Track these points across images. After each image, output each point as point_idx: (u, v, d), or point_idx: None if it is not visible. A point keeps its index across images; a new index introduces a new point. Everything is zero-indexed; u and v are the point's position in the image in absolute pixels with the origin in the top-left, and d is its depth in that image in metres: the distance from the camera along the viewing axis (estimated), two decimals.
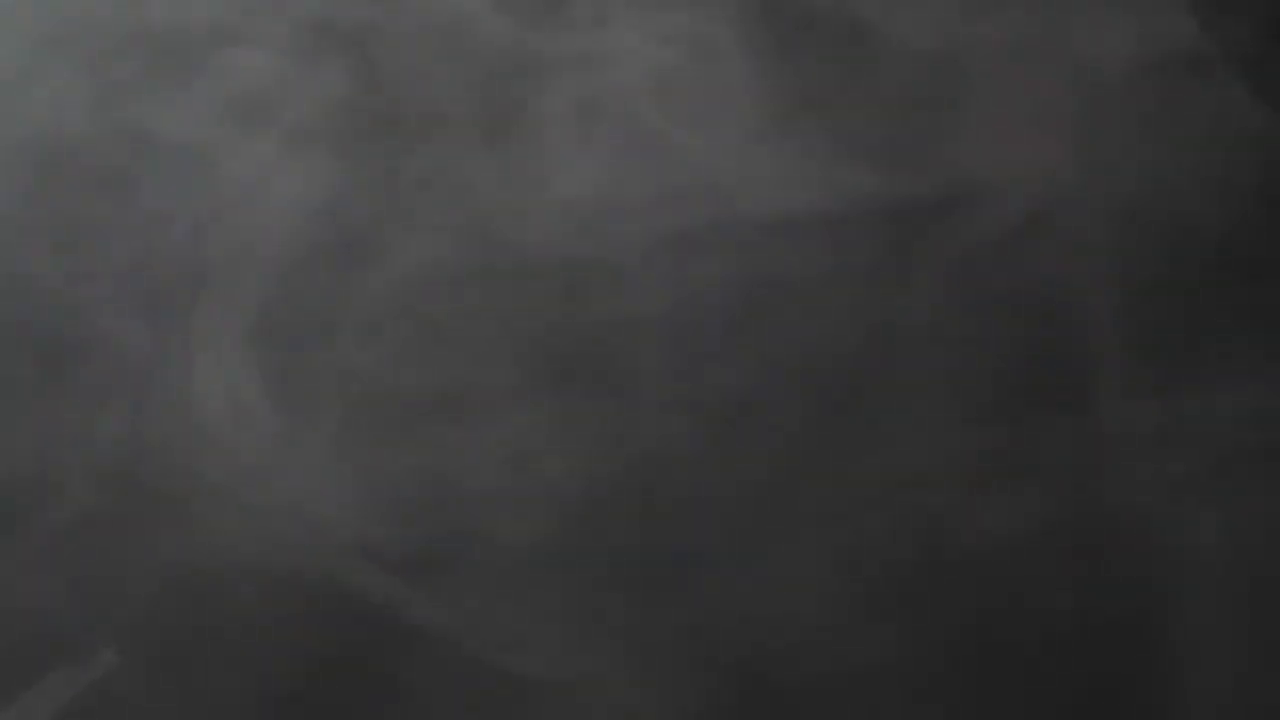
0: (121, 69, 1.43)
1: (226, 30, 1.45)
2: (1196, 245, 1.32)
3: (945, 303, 1.30)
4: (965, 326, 1.29)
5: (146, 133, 1.39)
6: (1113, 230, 1.33)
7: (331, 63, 1.43)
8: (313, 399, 1.27)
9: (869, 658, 1.16)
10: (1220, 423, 1.24)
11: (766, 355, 1.29)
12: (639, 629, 1.18)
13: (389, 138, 1.39)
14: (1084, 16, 1.44)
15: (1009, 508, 1.21)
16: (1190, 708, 1.13)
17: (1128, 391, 1.26)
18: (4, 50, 1.44)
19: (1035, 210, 1.35)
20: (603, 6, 1.46)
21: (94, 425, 1.25)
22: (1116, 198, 1.35)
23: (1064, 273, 1.32)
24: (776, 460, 1.24)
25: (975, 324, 1.29)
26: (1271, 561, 1.18)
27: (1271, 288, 1.30)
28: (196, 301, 1.32)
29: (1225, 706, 1.13)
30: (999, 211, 1.35)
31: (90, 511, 1.22)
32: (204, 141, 1.39)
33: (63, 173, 1.38)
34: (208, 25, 1.45)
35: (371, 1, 1.47)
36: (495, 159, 1.39)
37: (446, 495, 1.23)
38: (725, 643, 1.17)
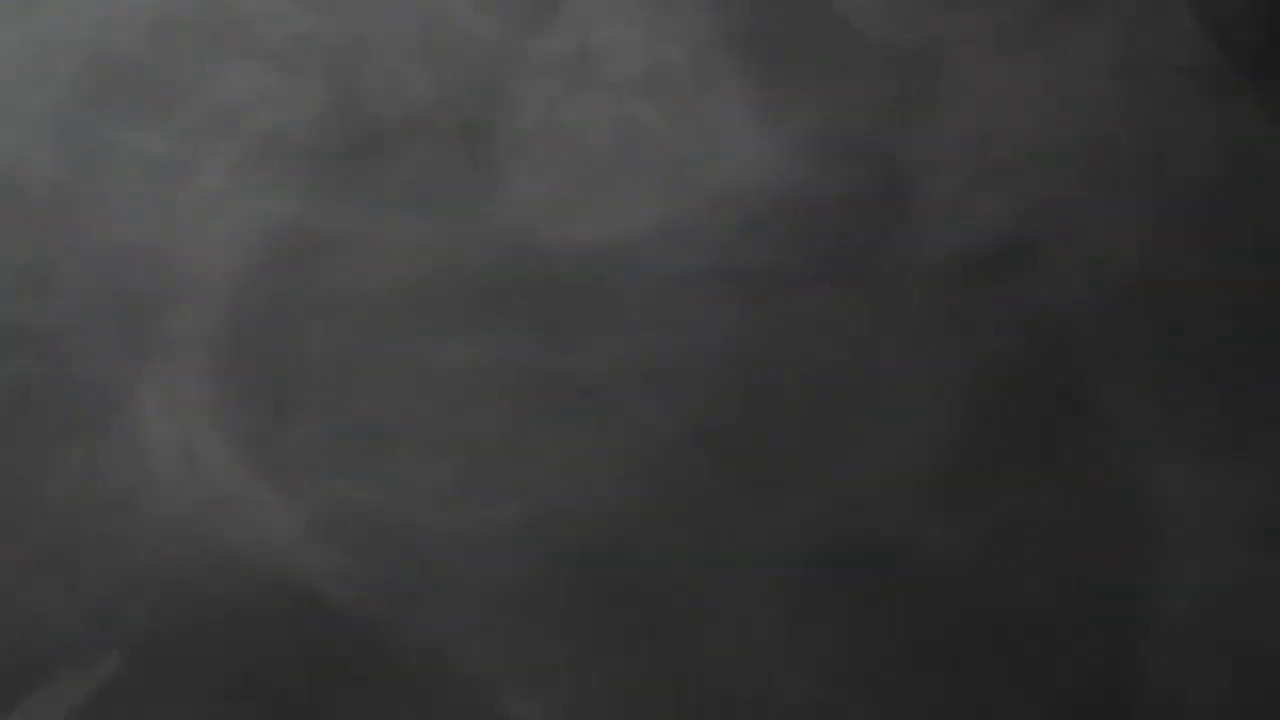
0: (92, 84, 1.42)
1: (206, 45, 1.45)
2: (1188, 248, 1.32)
3: (933, 310, 1.30)
4: (952, 336, 1.29)
5: (113, 151, 1.38)
6: (1104, 234, 1.33)
7: (312, 74, 1.43)
8: (280, 431, 1.26)
9: (847, 667, 1.16)
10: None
11: (754, 358, 1.29)
12: (622, 642, 1.18)
13: (370, 152, 1.39)
14: (1077, 16, 1.44)
15: (994, 512, 1.21)
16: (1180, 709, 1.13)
17: (1110, 403, 1.26)
18: None
19: (1025, 213, 1.35)
20: (590, 8, 1.46)
21: (53, 458, 1.25)
22: (1110, 201, 1.35)
23: (1054, 274, 1.32)
24: (755, 467, 1.24)
25: (962, 334, 1.29)
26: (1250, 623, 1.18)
27: (1269, 301, 1.30)
28: (162, 327, 1.31)
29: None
30: (990, 214, 1.35)
31: (44, 548, 1.22)
32: (175, 160, 1.38)
33: (26, 196, 1.37)
34: (184, 41, 1.45)
35: (354, 10, 1.46)
36: (479, 170, 1.38)
37: (421, 533, 1.22)
38: (706, 658, 1.17)
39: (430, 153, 1.38)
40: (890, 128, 1.39)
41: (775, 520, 1.21)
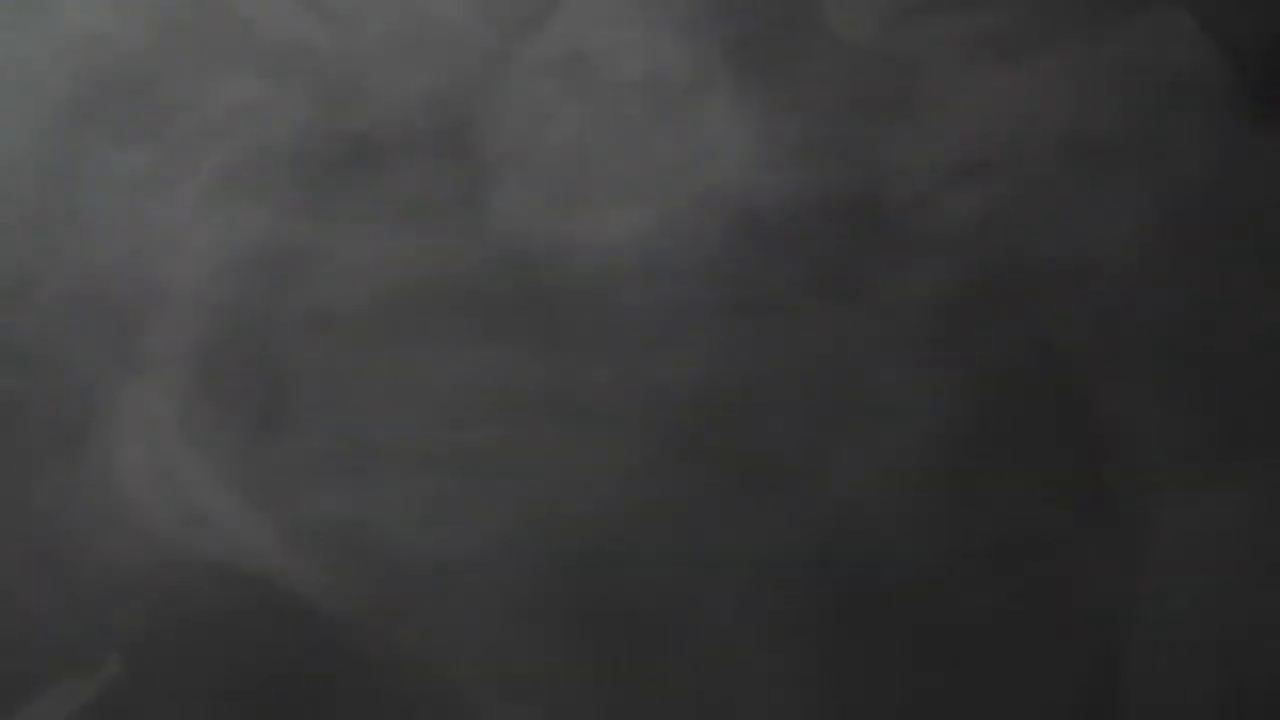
0: (81, 93, 1.42)
1: (200, 52, 1.44)
2: (1188, 248, 1.32)
3: (931, 313, 1.30)
4: (951, 338, 1.29)
5: (101, 162, 1.38)
6: (1103, 235, 1.33)
7: (307, 83, 1.42)
8: (267, 445, 1.26)
9: (846, 669, 1.16)
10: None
11: (742, 360, 1.28)
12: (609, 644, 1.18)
13: (363, 162, 1.38)
14: (1074, 19, 1.44)
15: (993, 513, 1.21)
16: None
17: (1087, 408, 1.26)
18: None
19: (1023, 215, 1.35)
20: (585, 13, 1.46)
21: (37, 472, 1.24)
22: (1109, 202, 1.35)
23: (1053, 276, 1.31)
24: (755, 469, 1.24)
25: (962, 336, 1.29)
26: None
27: (1269, 301, 1.30)
28: (148, 341, 1.30)
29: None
30: (987, 217, 1.35)
31: (29, 563, 1.21)
32: (163, 171, 1.38)
33: (12, 207, 1.36)
34: (179, 48, 1.44)
35: (352, 15, 1.46)
36: (473, 178, 1.38)
37: (410, 547, 1.21)
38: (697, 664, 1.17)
39: (424, 161, 1.38)
40: (889, 131, 1.39)
41: (774, 526, 1.21)
